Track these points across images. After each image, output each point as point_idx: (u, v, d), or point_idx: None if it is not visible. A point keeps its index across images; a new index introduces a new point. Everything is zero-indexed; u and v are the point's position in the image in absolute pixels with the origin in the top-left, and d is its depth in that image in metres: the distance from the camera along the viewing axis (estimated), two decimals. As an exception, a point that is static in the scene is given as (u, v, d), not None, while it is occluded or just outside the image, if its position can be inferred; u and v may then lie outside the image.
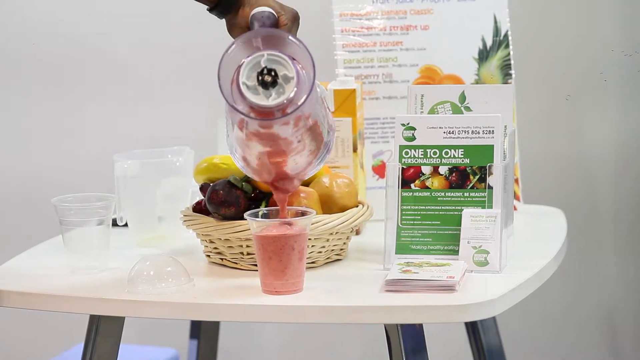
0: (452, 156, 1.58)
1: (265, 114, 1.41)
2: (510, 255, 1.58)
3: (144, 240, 1.78)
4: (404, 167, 1.59)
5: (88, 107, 2.52)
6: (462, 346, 2.23)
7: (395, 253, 1.57)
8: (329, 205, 1.64)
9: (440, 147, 1.58)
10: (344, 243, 1.63)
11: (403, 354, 1.46)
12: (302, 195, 1.61)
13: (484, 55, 1.98)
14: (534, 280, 1.53)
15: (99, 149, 2.48)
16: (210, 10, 1.53)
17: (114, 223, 1.72)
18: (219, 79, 1.41)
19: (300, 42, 1.42)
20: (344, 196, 1.65)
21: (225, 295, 1.49)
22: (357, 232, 1.78)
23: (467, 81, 1.96)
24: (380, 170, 1.96)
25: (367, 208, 1.65)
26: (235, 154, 1.52)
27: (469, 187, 1.57)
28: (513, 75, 1.99)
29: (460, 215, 1.55)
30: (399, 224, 1.58)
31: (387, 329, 1.47)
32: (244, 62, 1.41)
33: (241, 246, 1.58)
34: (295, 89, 1.40)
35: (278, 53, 1.41)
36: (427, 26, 1.98)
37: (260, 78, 1.41)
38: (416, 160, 1.59)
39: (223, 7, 1.51)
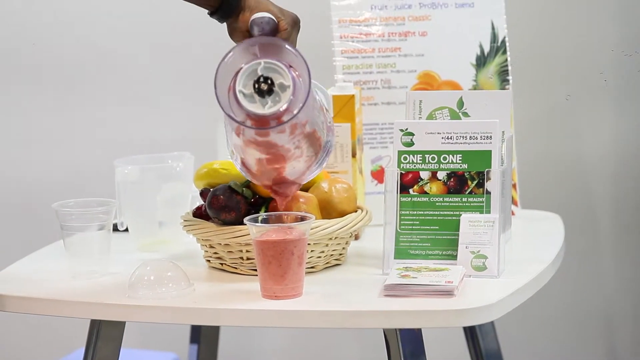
0: (450, 161, 1.58)
1: (261, 122, 1.41)
2: (508, 260, 1.58)
3: (144, 245, 1.78)
4: (403, 172, 1.59)
5: (89, 112, 2.51)
6: (460, 350, 2.23)
7: (394, 258, 1.58)
8: (328, 210, 1.64)
9: (439, 153, 1.58)
10: (343, 248, 1.64)
11: (402, 358, 1.46)
12: (301, 200, 1.61)
13: (481, 62, 1.98)
14: (532, 285, 1.53)
15: (99, 154, 2.48)
16: (211, 14, 1.53)
17: (115, 228, 1.72)
18: (215, 88, 1.41)
19: (297, 51, 1.42)
20: (343, 201, 1.65)
21: (225, 300, 1.49)
22: (356, 237, 1.79)
23: (465, 87, 1.97)
24: (379, 175, 1.96)
25: (366, 213, 1.65)
26: (235, 159, 1.53)
27: (467, 192, 1.57)
28: (510, 81, 2.00)
29: (459, 220, 1.56)
30: (398, 229, 1.59)
31: (386, 333, 1.47)
32: (240, 70, 1.41)
33: (241, 251, 1.58)
34: (292, 97, 1.40)
35: (275, 61, 1.41)
36: (425, 32, 1.99)
37: (256, 86, 1.41)
38: (415, 166, 1.59)
39: (223, 11, 1.51)
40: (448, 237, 1.57)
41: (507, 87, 1.98)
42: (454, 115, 1.65)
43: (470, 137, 1.57)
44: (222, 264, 1.61)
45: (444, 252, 1.57)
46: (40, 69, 2.49)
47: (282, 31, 1.50)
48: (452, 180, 1.58)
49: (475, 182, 1.57)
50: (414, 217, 1.58)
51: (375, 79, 1.98)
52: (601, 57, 2.41)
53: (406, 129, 1.60)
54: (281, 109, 1.40)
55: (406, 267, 1.52)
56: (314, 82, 1.58)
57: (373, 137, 1.97)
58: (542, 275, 1.57)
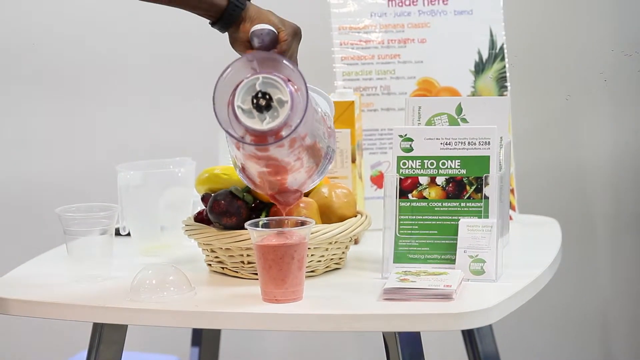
0: (449, 167, 1.59)
1: (260, 137, 1.41)
2: (506, 264, 1.59)
3: (146, 249, 1.79)
4: (402, 177, 1.60)
5: (90, 117, 2.51)
6: (459, 353, 2.23)
7: (393, 262, 1.58)
8: (328, 215, 1.65)
9: (437, 158, 1.59)
10: (343, 252, 1.64)
11: (401, 361, 1.47)
12: (301, 205, 1.62)
13: (480, 68, 1.99)
14: (530, 289, 1.54)
15: (100, 158, 2.48)
16: (212, 24, 1.54)
17: (117, 232, 1.73)
18: (214, 103, 1.41)
19: (295, 66, 1.42)
20: (343, 206, 1.66)
21: (226, 303, 1.49)
22: (356, 242, 1.79)
23: (463, 93, 1.97)
24: (378, 180, 1.97)
25: (366, 218, 1.66)
26: (237, 168, 1.53)
27: (465, 197, 1.58)
28: (509, 88, 2.00)
29: (457, 225, 1.56)
30: (397, 233, 1.59)
31: (386, 336, 1.48)
32: (239, 85, 1.41)
33: (242, 255, 1.58)
34: (290, 112, 1.40)
35: (273, 76, 1.41)
36: (424, 39, 1.99)
37: (254, 101, 1.41)
38: (413, 171, 1.60)
39: (224, 22, 1.52)
40: (447, 241, 1.57)
41: (505, 93, 1.99)
42: (452, 121, 1.66)
43: (469, 142, 1.58)
44: (223, 268, 1.62)
45: (442, 257, 1.57)
46: (43, 73, 2.49)
47: (282, 42, 1.51)
48: (450, 185, 1.58)
49: (473, 187, 1.58)
50: (413, 222, 1.59)
51: (374, 86, 1.99)
52: (600, 60, 2.41)
53: (405, 135, 1.60)
54: (279, 125, 1.40)
55: (405, 271, 1.53)
56: (316, 89, 1.59)
57: (372, 143, 1.97)
58: (539, 279, 1.58)
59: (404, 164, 1.60)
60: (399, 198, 1.59)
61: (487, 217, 1.56)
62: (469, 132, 1.59)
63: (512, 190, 1.98)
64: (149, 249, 1.79)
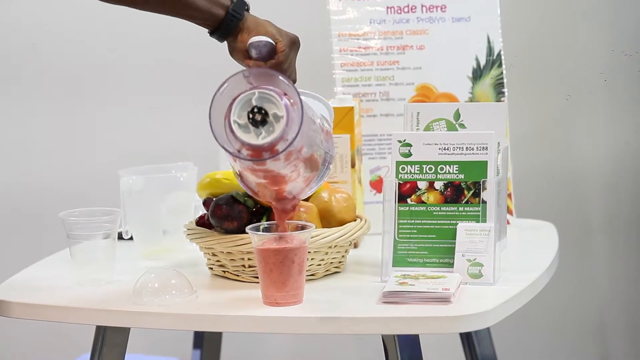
0: (447, 172, 1.59)
1: (256, 151, 1.42)
2: (504, 267, 1.59)
3: (148, 253, 1.79)
4: (401, 182, 1.60)
5: (92, 121, 2.51)
6: (457, 356, 2.23)
7: (392, 266, 1.59)
8: (328, 219, 1.66)
9: (436, 163, 1.60)
10: (343, 256, 1.65)
11: (400, 363, 1.47)
12: (301, 209, 1.62)
13: (477, 74, 2.00)
14: (527, 292, 1.54)
15: (102, 163, 2.48)
16: (211, 34, 1.54)
17: (120, 236, 1.73)
18: (210, 119, 1.41)
19: (290, 82, 1.42)
20: (343, 210, 1.67)
21: (227, 306, 1.49)
22: (355, 246, 1.80)
23: (461, 99, 1.98)
24: (377, 185, 1.97)
25: (365, 222, 1.66)
26: (236, 176, 1.54)
27: (463, 202, 1.58)
28: (506, 94, 2.01)
29: (455, 229, 1.57)
30: (396, 237, 1.60)
31: (385, 339, 1.49)
32: (235, 100, 1.42)
33: (243, 259, 1.59)
34: (285, 127, 1.40)
35: (269, 91, 1.41)
36: (422, 46, 2.00)
37: (250, 116, 1.41)
38: (412, 176, 1.60)
39: (221, 32, 1.53)
40: (445, 245, 1.58)
41: (502, 99, 2.00)
42: (450, 127, 1.67)
43: (467, 148, 1.59)
44: (224, 271, 1.63)
45: (441, 260, 1.58)
46: (43, 74, 2.48)
47: (280, 52, 1.51)
48: (449, 190, 1.59)
49: (471, 192, 1.58)
50: (412, 226, 1.60)
51: (374, 92, 1.99)
52: (600, 60, 2.40)
53: (404, 140, 1.61)
54: (275, 139, 1.40)
55: (404, 275, 1.53)
56: (315, 94, 1.60)
57: (372, 148, 1.98)
58: (536, 282, 1.58)
59: (403, 168, 1.61)
60: (398, 202, 1.60)
61: (484, 221, 1.57)
62: (466, 137, 1.59)
63: (509, 195, 1.98)
64: (151, 252, 1.79)
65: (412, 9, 2.01)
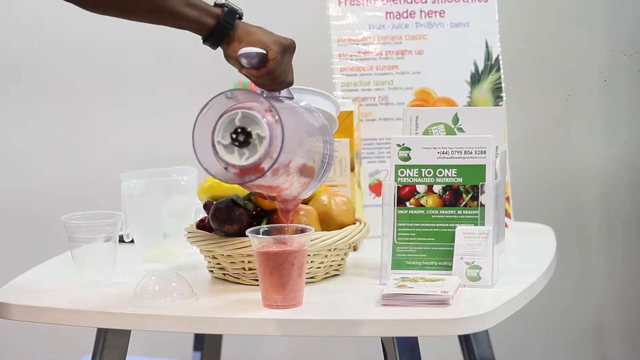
0: (445, 175, 1.60)
1: (242, 171, 1.42)
2: (502, 270, 1.60)
3: (149, 256, 1.80)
4: (400, 185, 1.61)
5: (92, 124, 2.50)
6: (455, 358, 2.23)
7: (391, 268, 1.59)
8: (327, 222, 1.66)
9: (435, 167, 1.60)
10: (342, 259, 1.65)
11: (399, 365, 1.48)
12: (301, 212, 1.63)
13: (476, 79, 2.00)
14: (525, 295, 1.55)
15: (103, 166, 2.48)
16: (203, 41, 1.55)
17: (121, 239, 1.74)
18: (193, 141, 1.42)
19: (273, 105, 1.41)
20: (342, 214, 1.67)
21: (227, 309, 1.50)
22: (355, 248, 1.80)
23: (460, 103, 1.99)
24: (376, 188, 1.98)
25: (364, 225, 1.67)
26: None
27: (462, 205, 1.59)
28: (504, 98, 2.02)
29: (454, 232, 1.57)
30: (395, 240, 1.60)
31: (384, 341, 1.49)
32: (219, 121, 1.42)
33: (243, 262, 1.59)
34: (268, 148, 1.40)
35: (252, 111, 1.41)
36: (421, 51, 2.01)
37: (234, 137, 1.42)
38: (411, 180, 1.61)
39: (213, 40, 1.53)
40: (443, 248, 1.59)
41: (500, 103, 2.01)
42: (449, 131, 1.67)
43: (465, 151, 1.59)
44: (224, 274, 1.63)
45: (439, 263, 1.58)
46: (45, 77, 2.48)
47: (271, 61, 1.51)
48: (447, 193, 1.60)
49: (469, 195, 1.59)
50: (411, 229, 1.60)
51: (373, 96, 2.00)
52: (600, 60, 2.40)
53: (403, 144, 1.62)
54: (258, 161, 1.41)
55: (403, 278, 1.54)
56: (319, 91, 1.60)
57: (371, 152, 1.99)
58: (534, 285, 1.59)
59: (402, 172, 1.61)
60: (397, 206, 1.60)
61: (483, 224, 1.57)
62: (465, 141, 1.60)
63: (507, 198, 1.99)
64: (152, 255, 1.80)
65: (411, 14, 2.02)
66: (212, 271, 1.66)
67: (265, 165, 1.41)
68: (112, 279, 1.64)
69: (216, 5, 1.53)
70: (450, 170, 1.60)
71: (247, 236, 1.50)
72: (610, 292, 2.51)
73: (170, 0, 1.49)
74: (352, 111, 1.85)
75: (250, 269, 1.60)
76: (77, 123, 2.51)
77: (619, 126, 2.45)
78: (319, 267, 1.61)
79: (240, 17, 1.54)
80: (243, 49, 1.51)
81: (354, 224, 1.68)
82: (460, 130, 1.67)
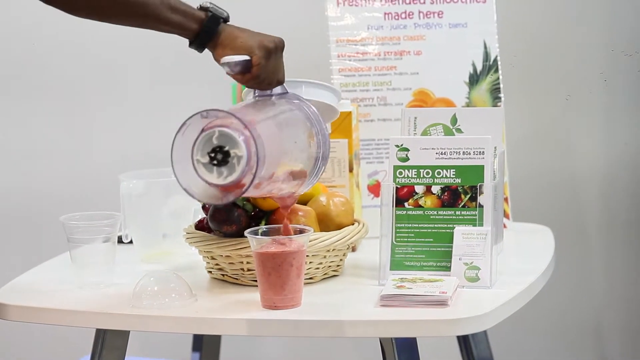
0: (444, 176, 1.60)
1: (223, 188, 1.42)
2: (500, 271, 1.60)
3: (148, 256, 1.80)
4: (398, 186, 1.61)
5: (91, 125, 2.51)
6: (454, 358, 2.24)
7: (390, 269, 1.59)
8: (326, 223, 1.66)
9: (433, 168, 1.60)
10: (341, 259, 1.66)
11: (397, 366, 1.48)
12: (300, 213, 1.63)
13: (474, 80, 2.01)
14: (524, 295, 1.55)
15: (102, 166, 2.48)
16: (189, 45, 1.55)
17: (120, 240, 1.74)
18: (172, 162, 1.42)
19: (247, 126, 1.40)
20: (341, 214, 1.68)
21: (226, 309, 1.50)
22: (353, 249, 1.81)
23: (458, 104, 1.99)
24: (375, 189, 1.99)
25: (363, 226, 1.67)
26: None
27: (460, 206, 1.59)
28: (502, 99, 2.02)
29: (452, 232, 1.58)
30: (394, 241, 1.60)
31: (382, 342, 1.49)
32: (196, 140, 1.42)
33: (242, 262, 1.60)
34: (246, 167, 1.40)
35: (228, 129, 1.40)
36: (420, 52, 2.01)
37: (212, 156, 1.41)
38: (410, 180, 1.61)
39: (197, 44, 1.53)
40: (442, 249, 1.59)
41: (499, 104, 2.01)
42: (447, 132, 1.67)
43: (464, 152, 1.60)
44: (223, 275, 1.63)
45: (438, 264, 1.59)
46: (45, 77, 2.48)
47: (255, 66, 1.51)
48: (446, 194, 1.60)
49: (468, 196, 1.59)
50: (409, 230, 1.61)
51: (371, 97, 2.00)
52: (600, 60, 2.40)
53: (401, 145, 1.62)
54: (237, 179, 1.41)
55: (401, 278, 1.54)
56: (318, 82, 1.60)
57: (369, 153, 1.99)
58: (533, 286, 1.59)
59: (400, 173, 1.61)
60: (396, 206, 1.61)
61: (481, 225, 1.58)
62: (463, 142, 1.60)
63: (506, 199, 2.00)
64: (151, 256, 1.80)
65: (409, 15, 2.02)
66: (211, 272, 1.66)
67: (246, 181, 1.41)
68: (111, 279, 1.64)
69: (201, 8, 1.53)
70: (448, 171, 1.60)
71: (246, 237, 1.50)
72: (609, 293, 2.51)
73: (153, 5, 1.49)
74: (350, 112, 1.86)
75: (249, 270, 1.60)
76: (76, 123, 2.51)
77: (619, 126, 2.45)
78: (317, 268, 1.62)
79: (226, 21, 1.54)
80: (225, 57, 1.51)
81: (353, 224, 1.68)
82: (459, 131, 1.67)
